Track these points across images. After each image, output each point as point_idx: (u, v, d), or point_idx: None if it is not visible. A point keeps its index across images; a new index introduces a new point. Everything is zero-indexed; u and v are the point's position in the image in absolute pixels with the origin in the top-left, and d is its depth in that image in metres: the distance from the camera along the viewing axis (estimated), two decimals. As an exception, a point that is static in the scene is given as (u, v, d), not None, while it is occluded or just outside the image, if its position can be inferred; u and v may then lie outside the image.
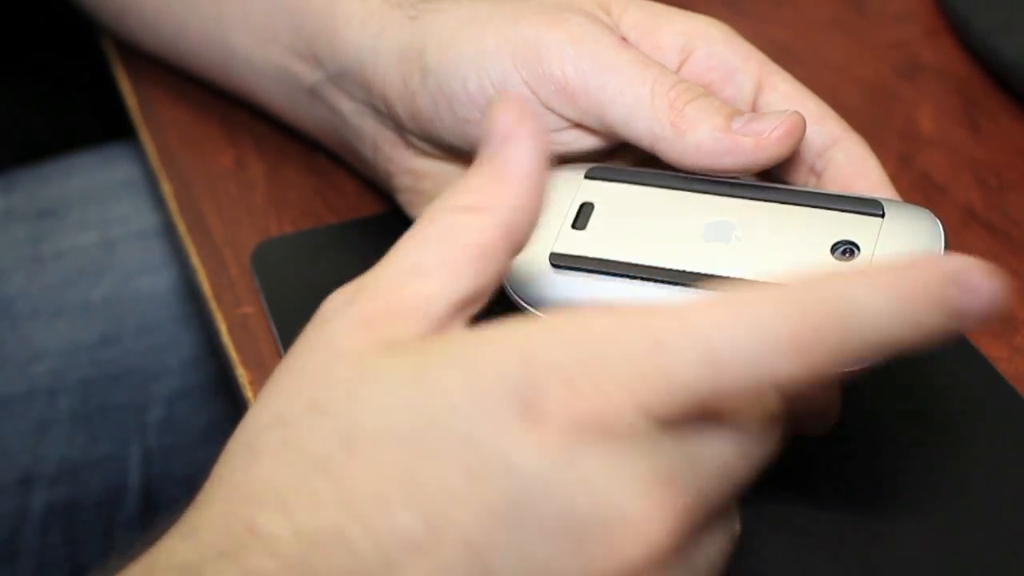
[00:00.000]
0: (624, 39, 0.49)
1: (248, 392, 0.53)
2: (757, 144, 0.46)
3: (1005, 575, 0.45)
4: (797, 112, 0.47)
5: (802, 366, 0.34)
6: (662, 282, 0.46)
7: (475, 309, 0.38)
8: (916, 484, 0.47)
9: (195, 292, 0.61)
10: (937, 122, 0.65)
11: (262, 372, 0.54)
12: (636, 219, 0.48)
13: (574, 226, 0.48)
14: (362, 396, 0.36)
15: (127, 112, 0.70)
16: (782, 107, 0.49)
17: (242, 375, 0.54)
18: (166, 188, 0.64)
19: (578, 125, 0.50)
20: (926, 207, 0.47)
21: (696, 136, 0.47)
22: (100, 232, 0.78)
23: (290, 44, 0.58)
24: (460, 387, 0.35)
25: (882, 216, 0.46)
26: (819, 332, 0.34)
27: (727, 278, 0.45)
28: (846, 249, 0.45)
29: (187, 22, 0.64)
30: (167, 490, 0.78)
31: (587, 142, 0.50)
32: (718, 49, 0.50)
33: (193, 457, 0.78)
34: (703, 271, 0.45)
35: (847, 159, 0.48)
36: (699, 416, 0.36)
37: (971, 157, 0.63)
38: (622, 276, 0.46)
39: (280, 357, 0.54)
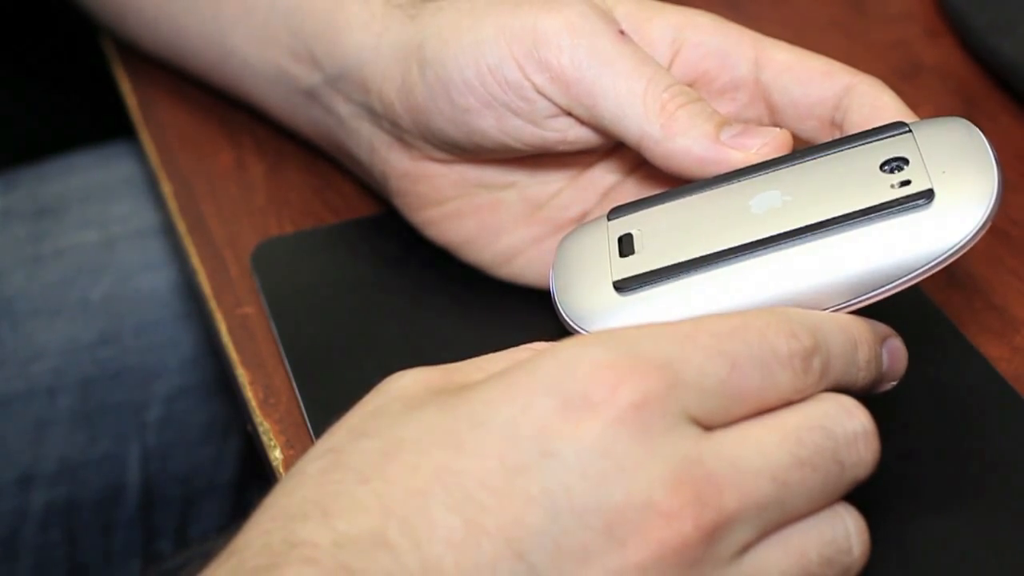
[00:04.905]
0: (623, 32, 0.49)
1: (248, 392, 0.53)
2: (745, 159, 0.47)
3: (1005, 575, 0.45)
4: (786, 131, 0.47)
5: (799, 372, 0.39)
6: (735, 260, 0.44)
7: None
8: (916, 484, 0.47)
9: (195, 292, 0.61)
10: (937, 122, 0.65)
11: (262, 372, 0.54)
12: (680, 226, 0.47)
13: (621, 256, 0.47)
14: (405, 419, 0.38)
15: (127, 112, 0.70)
16: (785, 77, 0.49)
17: (242, 375, 0.54)
18: (166, 188, 0.64)
19: (569, 113, 0.50)
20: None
21: (685, 140, 0.47)
22: (100, 231, 0.78)
23: (288, 46, 0.58)
24: (499, 389, 0.38)
25: (909, 131, 0.45)
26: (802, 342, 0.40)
27: (795, 230, 0.44)
28: (895, 166, 0.44)
29: (185, 22, 0.64)
30: (166, 489, 0.78)
31: (580, 132, 0.50)
32: (708, 37, 0.50)
33: (192, 456, 0.78)
34: (771, 234, 0.44)
35: (861, 101, 0.48)
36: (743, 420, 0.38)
37: (971, 157, 0.62)
38: (695, 271, 0.45)
39: (280, 357, 0.54)
